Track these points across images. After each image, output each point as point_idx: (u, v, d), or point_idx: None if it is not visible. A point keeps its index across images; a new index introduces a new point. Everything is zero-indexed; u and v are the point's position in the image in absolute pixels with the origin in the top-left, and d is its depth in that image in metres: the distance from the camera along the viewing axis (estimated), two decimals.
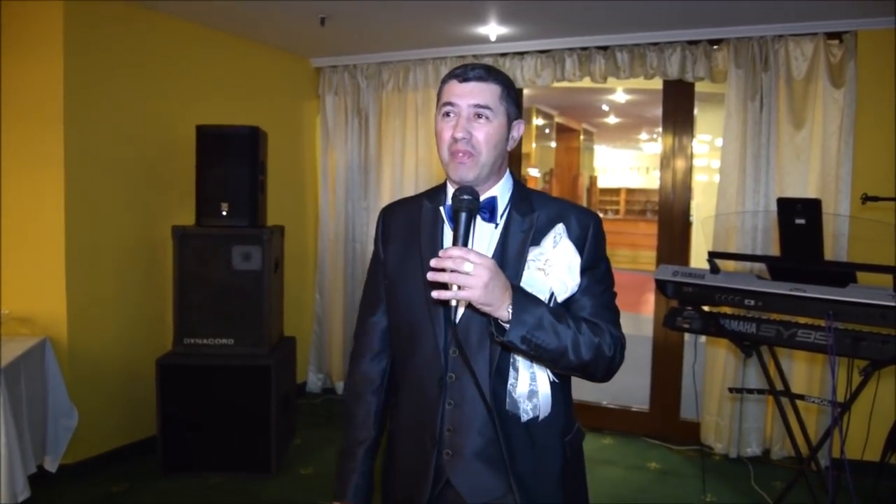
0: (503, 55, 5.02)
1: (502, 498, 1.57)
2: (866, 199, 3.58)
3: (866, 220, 3.93)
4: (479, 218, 1.57)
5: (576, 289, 1.56)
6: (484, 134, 1.54)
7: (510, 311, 1.40)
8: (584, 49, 4.78)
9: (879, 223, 3.76)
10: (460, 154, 1.53)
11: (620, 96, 7.65)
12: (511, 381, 1.55)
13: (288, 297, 4.72)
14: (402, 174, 5.36)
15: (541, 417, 1.57)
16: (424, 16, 4.34)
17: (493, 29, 4.54)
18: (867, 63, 4.15)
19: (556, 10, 4.12)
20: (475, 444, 1.57)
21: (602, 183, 12.29)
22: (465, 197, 1.45)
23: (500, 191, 1.62)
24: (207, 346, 3.99)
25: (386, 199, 5.43)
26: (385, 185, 5.45)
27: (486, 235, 1.60)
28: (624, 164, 13.04)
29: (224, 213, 4.03)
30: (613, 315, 1.59)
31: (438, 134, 1.58)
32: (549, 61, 4.86)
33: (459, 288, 1.36)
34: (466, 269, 1.35)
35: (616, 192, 14.24)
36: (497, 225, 1.60)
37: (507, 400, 1.55)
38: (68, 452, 3.79)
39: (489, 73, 1.57)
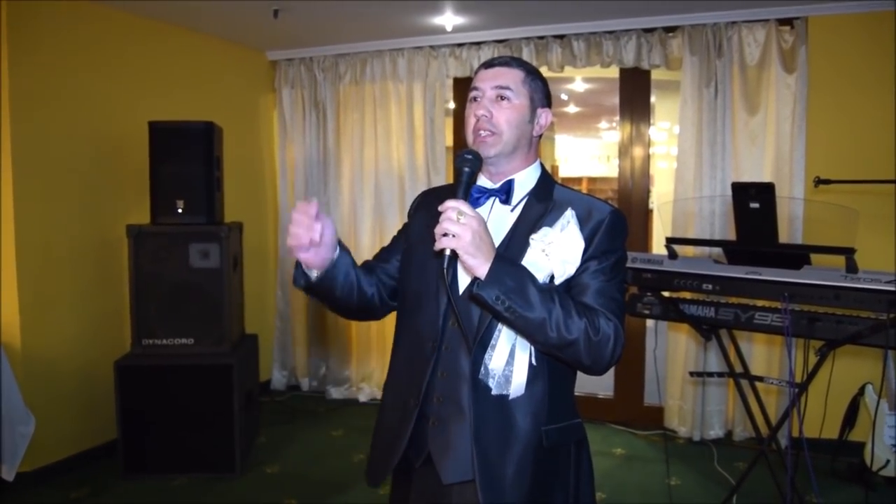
0: (460, 45, 5.01)
1: (473, 481, 1.56)
2: (819, 182, 3.64)
3: (820, 203, 3.99)
4: (497, 200, 1.66)
5: (573, 273, 1.56)
6: (504, 114, 1.62)
7: (489, 269, 1.44)
8: (540, 38, 4.78)
9: (832, 205, 3.83)
10: (482, 133, 1.61)
11: (579, 85, 7.64)
12: (489, 351, 1.56)
13: (249, 294, 4.66)
14: (362, 167, 5.32)
15: (511, 396, 1.56)
16: (380, 7, 4.29)
17: (449, 19, 4.52)
18: (818, 48, 4.22)
19: None
20: (458, 416, 1.59)
21: (564, 172, 12.30)
22: (468, 156, 1.55)
23: (524, 177, 1.68)
24: (167, 346, 3.93)
25: (346, 193, 5.39)
26: (345, 179, 5.41)
27: (502, 218, 1.65)
28: (585, 154, 13.08)
29: (180, 210, 3.96)
30: (613, 306, 1.56)
31: (466, 119, 1.67)
32: (505, 51, 4.85)
33: (453, 236, 1.41)
34: (458, 218, 1.41)
35: (578, 181, 14.29)
36: (513, 208, 1.65)
37: (482, 370, 1.56)
38: (26, 460, 3.67)
39: (513, 59, 1.68)
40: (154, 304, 3.91)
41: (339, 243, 1.69)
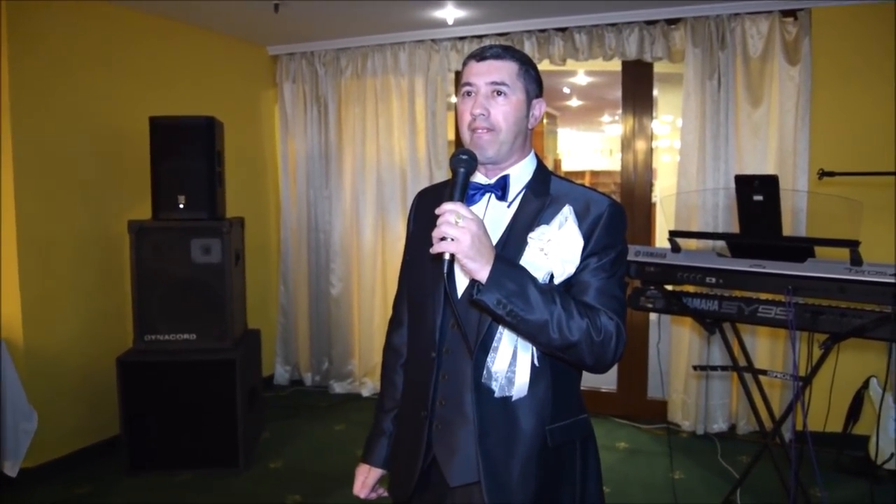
0: (461, 39, 4.99)
1: (479, 483, 1.54)
2: (823, 174, 3.62)
3: (823, 195, 3.97)
4: (493, 197, 1.62)
5: (573, 272, 1.53)
6: (501, 111, 1.56)
7: (490, 273, 1.41)
8: (542, 31, 4.76)
9: (836, 198, 3.81)
10: (479, 131, 1.56)
11: (582, 79, 7.60)
12: (492, 354, 1.54)
13: (252, 289, 4.65)
14: (364, 161, 5.31)
15: (514, 397, 1.54)
16: (381, 1, 4.27)
17: (450, 12, 4.50)
18: (821, 40, 4.20)
19: None
20: (461, 419, 1.56)
21: (566, 166, 12.26)
22: (463, 156, 1.49)
23: (520, 171, 1.63)
24: (169, 341, 3.92)
25: (348, 187, 5.38)
26: (346, 173, 5.40)
27: (499, 215, 1.61)
28: (587, 147, 13.04)
29: (181, 205, 3.95)
30: (614, 304, 1.53)
31: (459, 115, 1.61)
32: (507, 44, 4.82)
33: (451, 240, 1.38)
34: (456, 221, 1.38)
35: (581, 174, 14.26)
36: (510, 204, 1.61)
37: (484, 373, 1.54)
38: (29, 456, 3.69)
39: (506, 51, 1.60)
40: (156, 299, 3.90)
41: (373, 441, 1.83)
